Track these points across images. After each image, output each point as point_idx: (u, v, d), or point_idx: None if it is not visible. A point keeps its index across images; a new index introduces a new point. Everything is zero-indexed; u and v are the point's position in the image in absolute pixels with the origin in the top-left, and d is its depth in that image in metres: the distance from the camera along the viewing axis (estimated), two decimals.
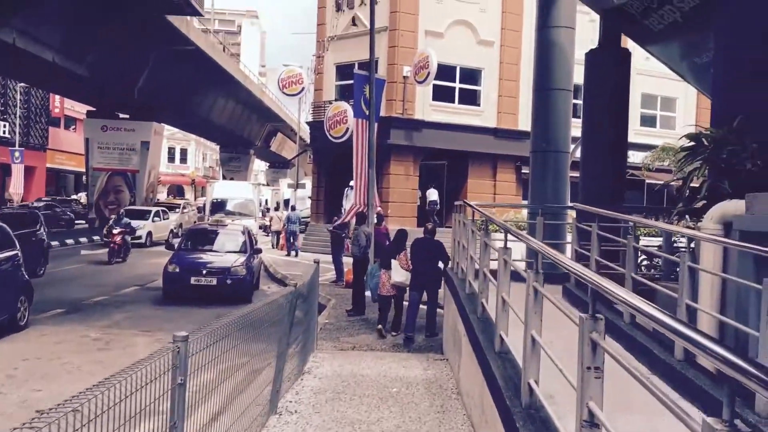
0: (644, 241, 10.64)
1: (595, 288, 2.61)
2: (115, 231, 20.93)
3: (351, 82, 19.60)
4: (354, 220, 15.01)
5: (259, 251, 16.59)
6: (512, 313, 4.86)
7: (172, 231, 29.29)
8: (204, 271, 14.18)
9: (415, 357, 9.32)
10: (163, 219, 29.31)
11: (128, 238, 21.83)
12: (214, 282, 13.99)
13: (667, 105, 29.95)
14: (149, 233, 26.95)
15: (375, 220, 14.93)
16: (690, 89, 27.66)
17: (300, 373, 7.88)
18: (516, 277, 5.10)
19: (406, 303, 10.91)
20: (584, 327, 2.63)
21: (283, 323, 6.27)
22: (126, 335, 10.79)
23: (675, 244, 8.19)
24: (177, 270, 14.21)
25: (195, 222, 33.49)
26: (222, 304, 12.81)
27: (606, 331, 2.66)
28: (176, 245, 16.14)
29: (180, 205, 36.37)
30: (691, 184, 6.33)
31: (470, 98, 26.27)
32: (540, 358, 3.86)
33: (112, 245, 20.69)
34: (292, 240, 24.90)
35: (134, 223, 24.77)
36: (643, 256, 9.26)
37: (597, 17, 13.15)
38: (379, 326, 10.79)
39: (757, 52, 6.38)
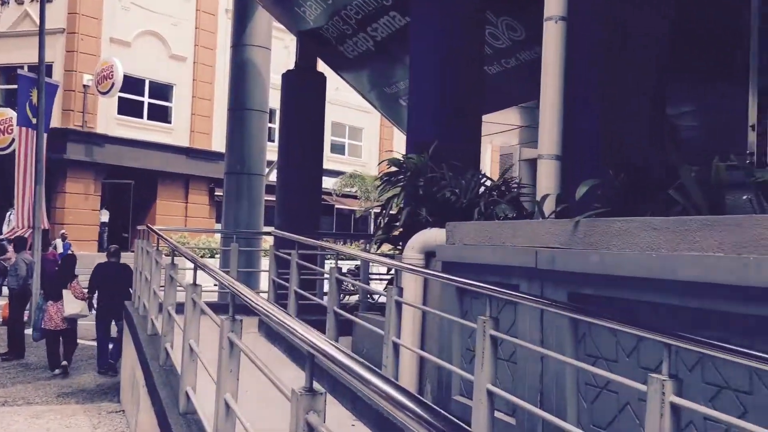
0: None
1: (313, 353, 1.95)
2: None
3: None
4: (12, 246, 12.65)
5: None
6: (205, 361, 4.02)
7: None
8: None
9: (83, 410, 7.81)
10: None
11: None
12: None
13: (355, 134, 31.60)
14: None
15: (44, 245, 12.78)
16: (375, 120, 29.71)
17: None
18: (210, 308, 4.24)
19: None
20: (299, 405, 1.95)
21: None
22: None
23: (371, 272, 8.09)
24: None
25: None
26: None
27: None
28: None
29: None
30: (390, 212, 6.16)
31: (161, 115, 24.61)
32: (236, 427, 3.11)
33: None
34: None
35: None
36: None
37: (292, 44, 13.00)
38: (56, 371, 9.38)
39: (445, 82, 6.51)
